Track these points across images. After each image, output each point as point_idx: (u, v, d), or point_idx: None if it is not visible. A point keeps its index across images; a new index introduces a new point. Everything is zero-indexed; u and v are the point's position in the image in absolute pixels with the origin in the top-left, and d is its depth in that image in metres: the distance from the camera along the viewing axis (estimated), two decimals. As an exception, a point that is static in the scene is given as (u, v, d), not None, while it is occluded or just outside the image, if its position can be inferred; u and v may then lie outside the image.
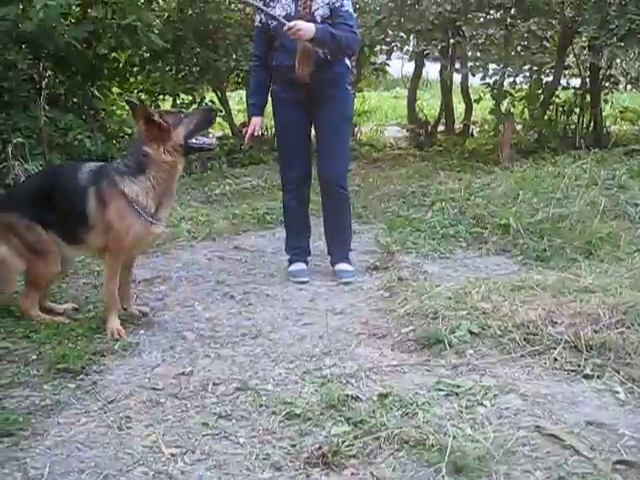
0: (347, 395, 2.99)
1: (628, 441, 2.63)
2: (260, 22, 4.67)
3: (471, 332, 3.59)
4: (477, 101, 10.84)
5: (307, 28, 4.29)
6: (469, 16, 9.32)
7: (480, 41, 9.66)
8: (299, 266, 4.96)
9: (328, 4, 4.51)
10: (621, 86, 12.85)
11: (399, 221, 6.17)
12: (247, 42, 10.32)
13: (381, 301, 4.36)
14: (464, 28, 9.52)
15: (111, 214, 3.77)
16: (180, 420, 2.89)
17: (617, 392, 3.03)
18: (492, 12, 9.52)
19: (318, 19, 4.48)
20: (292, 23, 4.28)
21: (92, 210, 3.81)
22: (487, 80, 9.39)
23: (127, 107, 4.10)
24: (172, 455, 2.62)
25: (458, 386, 3.09)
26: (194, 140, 3.88)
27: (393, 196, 7.30)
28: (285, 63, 4.54)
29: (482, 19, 9.60)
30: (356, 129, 11.82)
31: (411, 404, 2.91)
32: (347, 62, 4.74)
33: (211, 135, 4.00)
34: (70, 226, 3.89)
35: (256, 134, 4.80)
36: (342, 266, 4.93)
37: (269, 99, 4.86)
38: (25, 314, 3.98)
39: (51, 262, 3.95)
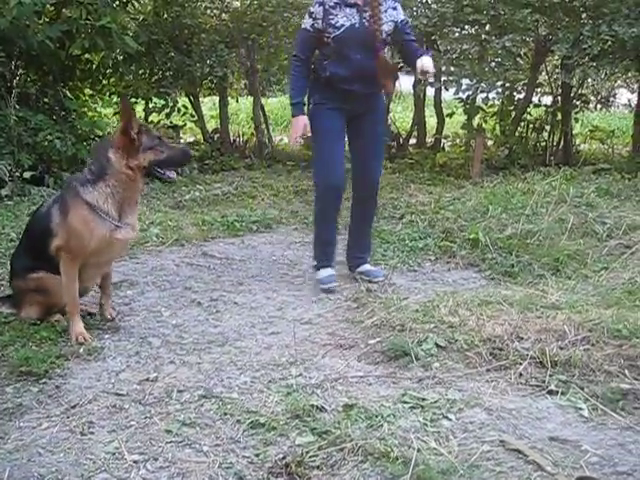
0: (312, 405, 2.98)
1: (591, 457, 2.64)
2: (312, 27, 4.58)
3: (438, 345, 3.60)
4: (449, 115, 10.90)
5: (429, 62, 4.41)
6: (445, 31, 9.38)
7: (454, 56, 9.71)
8: (329, 272, 4.92)
9: (394, 21, 4.57)
10: (592, 105, 13.03)
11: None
12: (222, 48, 10.33)
13: (349, 312, 4.35)
14: (439, 42, 9.59)
15: (73, 219, 3.78)
16: (144, 427, 2.86)
17: (581, 409, 3.05)
18: (467, 27, 9.58)
19: (384, 35, 4.53)
20: (420, 63, 4.37)
21: (55, 223, 3.84)
22: (460, 95, 9.45)
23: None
24: (135, 462, 2.60)
25: (423, 399, 3.09)
26: (158, 169, 3.90)
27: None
28: (343, 74, 4.53)
29: (457, 34, 9.66)
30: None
31: (376, 416, 2.91)
32: None
33: (173, 172, 4.00)
34: (50, 258, 3.87)
35: (305, 134, 4.72)
36: (370, 267, 5.05)
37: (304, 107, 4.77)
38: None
39: (56, 295, 3.95)
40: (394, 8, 4.62)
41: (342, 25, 4.46)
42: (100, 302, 4.21)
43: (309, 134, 4.68)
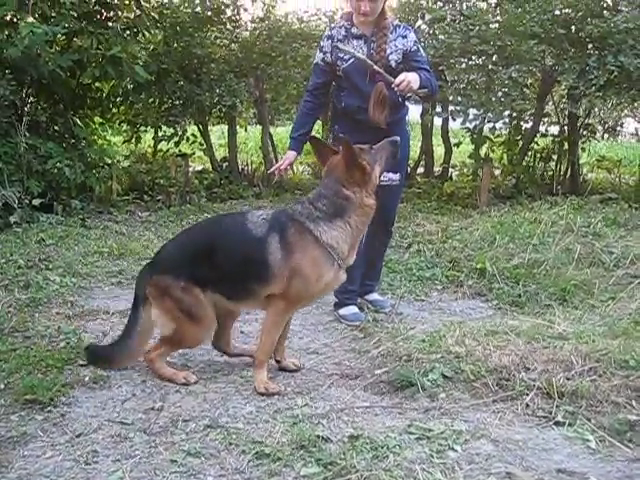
0: (318, 436, 2.98)
1: (598, 490, 2.63)
2: (323, 61, 4.61)
3: (444, 376, 3.59)
4: (457, 145, 10.93)
5: (414, 79, 4.29)
6: (452, 61, 9.44)
7: (462, 86, 9.75)
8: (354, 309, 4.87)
9: (403, 50, 4.54)
10: (598, 135, 13.06)
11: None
12: (231, 78, 10.40)
13: (355, 342, 4.35)
14: (446, 73, 9.65)
15: (304, 263, 3.47)
16: (148, 456, 2.85)
17: (588, 440, 3.03)
18: (474, 58, 9.63)
19: (393, 64, 4.50)
20: (402, 77, 4.26)
21: (276, 260, 3.47)
22: (467, 125, 9.49)
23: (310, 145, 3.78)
24: (138, 492, 2.59)
25: (429, 430, 3.07)
26: (382, 178, 3.69)
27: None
28: (356, 105, 4.53)
29: (464, 64, 9.71)
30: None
31: (382, 447, 2.90)
32: (407, 104, 4.77)
33: (392, 173, 3.84)
34: (238, 281, 3.56)
35: (287, 170, 4.68)
36: (378, 296, 5.05)
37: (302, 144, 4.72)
38: (149, 363, 3.74)
39: (204, 328, 3.64)
40: (404, 36, 4.57)
41: (350, 57, 4.47)
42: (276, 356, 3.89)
43: (289, 173, 4.64)
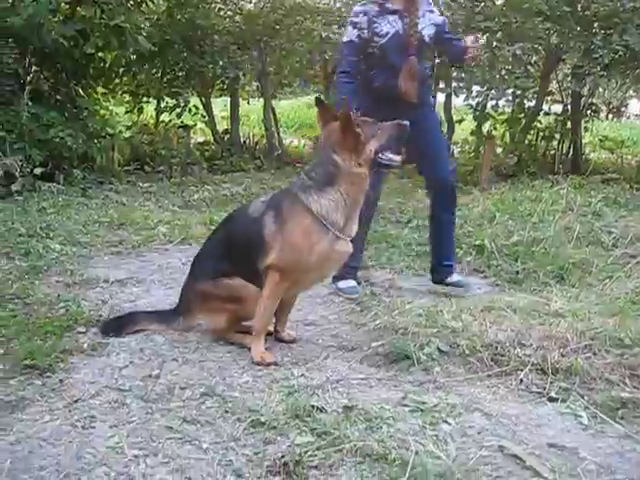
0: (313, 406, 2.99)
1: (588, 465, 2.65)
2: (358, 37, 4.49)
3: (440, 350, 3.60)
4: (459, 122, 10.91)
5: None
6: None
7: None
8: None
9: (433, 24, 4.54)
10: (602, 115, 13.02)
11: (375, 237, 6.18)
12: (234, 50, 10.38)
13: (352, 315, 4.37)
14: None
15: (294, 232, 3.51)
16: (145, 422, 2.87)
17: (580, 416, 3.04)
18: (479, 35, 9.58)
19: (427, 39, 4.52)
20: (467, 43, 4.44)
21: (270, 232, 3.56)
22: (470, 101, 9.47)
23: (315, 106, 3.71)
24: (135, 457, 2.61)
25: (424, 402, 3.09)
26: (382, 156, 3.63)
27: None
28: (389, 82, 4.47)
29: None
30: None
31: (376, 418, 2.91)
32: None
33: (397, 155, 3.65)
34: (251, 266, 3.63)
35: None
36: (459, 277, 4.96)
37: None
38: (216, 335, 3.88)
39: (249, 302, 3.67)
40: (431, 11, 4.60)
41: (387, 32, 4.44)
42: (275, 326, 3.95)
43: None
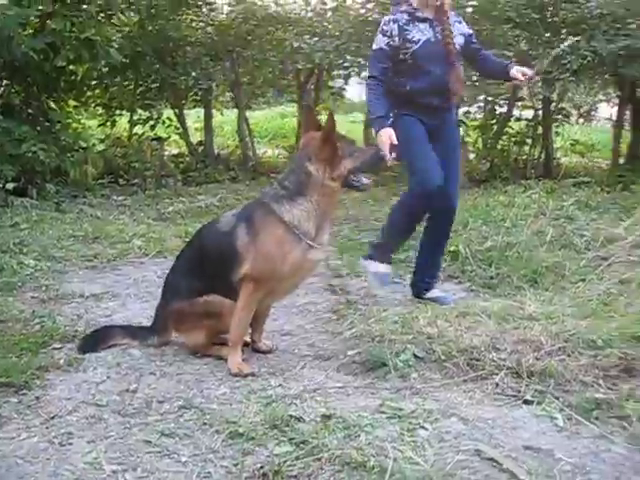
0: (291, 415, 3.01)
1: (564, 466, 2.68)
2: (388, 45, 4.51)
3: (416, 356, 3.63)
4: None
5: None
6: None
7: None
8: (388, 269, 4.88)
9: (462, 34, 4.63)
10: (573, 119, 13.16)
11: (350, 245, 6.21)
12: (206, 61, 10.39)
13: (329, 324, 4.39)
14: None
15: (266, 242, 3.55)
16: (123, 437, 2.87)
17: (555, 418, 3.08)
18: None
19: (457, 47, 4.56)
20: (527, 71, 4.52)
21: (243, 244, 3.59)
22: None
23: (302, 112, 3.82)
24: (113, 472, 2.61)
25: (401, 409, 3.11)
26: (353, 177, 3.67)
27: (345, 220, 7.34)
28: (424, 87, 4.52)
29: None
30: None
31: (354, 426, 2.93)
32: None
33: (367, 178, 3.72)
34: (224, 280, 3.64)
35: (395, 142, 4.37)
36: (439, 293, 4.93)
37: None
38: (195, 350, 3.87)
39: (225, 317, 3.68)
40: (459, 22, 4.70)
41: (419, 39, 4.48)
42: (252, 337, 3.97)
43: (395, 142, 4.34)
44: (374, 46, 4.61)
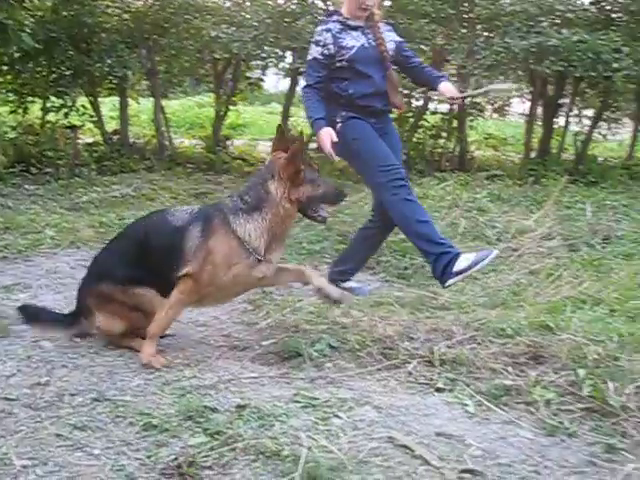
0: (205, 406, 3.00)
1: (474, 451, 2.76)
2: (322, 54, 4.57)
3: (331, 346, 3.68)
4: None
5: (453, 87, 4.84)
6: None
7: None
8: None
9: (394, 41, 4.74)
10: (487, 114, 13.44)
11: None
12: (122, 48, 10.19)
13: (244, 314, 4.40)
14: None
15: (215, 249, 3.57)
16: (34, 431, 2.82)
17: (466, 405, 3.17)
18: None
19: (391, 52, 4.67)
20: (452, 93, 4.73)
21: (192, 245, 3.58)
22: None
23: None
24: (23, 467, 2.56)
25: (315, 398, 3.15)
26: (314, 208, 3.76)
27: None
28: (363, 91, 4.59)
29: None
30: (229, 142, 11.84)
31: (268, 416, 2.95)
32: None
33: (325, 211, 3.81)
34: (167, 274, 3.62)
35: (335, 140, 4.41)
36: (355, 284, 4.94)
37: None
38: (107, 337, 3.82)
39: (148, 319, 3.66)
40: (390, 30, 4.82)
41: (353, 46, 4.57)
42: None
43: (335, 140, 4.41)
44: (309, 57, 4.68)
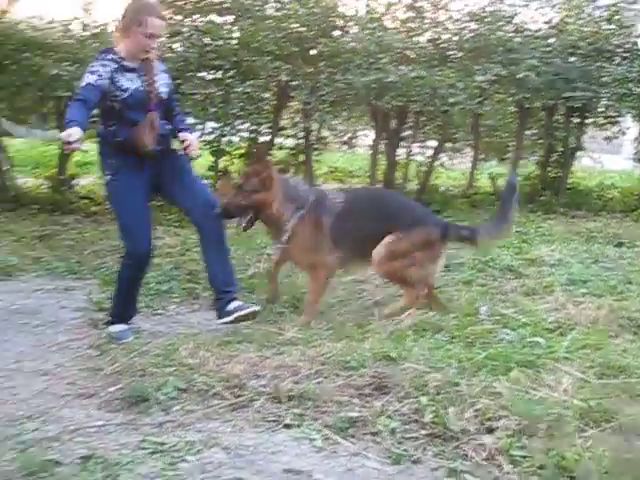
0: (49, 460, 2.92)
1: (322, 485, 2.82)
2: (96, 82, 4.37)
3: (178, 388, 3.65)
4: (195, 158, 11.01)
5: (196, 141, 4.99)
6: (188, 74, 9.50)
7: (200, 99, 9.86)
8: (124, 327, 4.78)
9: (167, 84, 4.74)
10: (335, 147, 13.78)
11: (108, 280, 6.04)
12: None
13: (90, 360, 4.28)
14: (184, 86, 9.72)
15: None
16: None
17: (314, 439, 3.22)
18: (212, 72, 9.79)
19: (164, 95, 4.67)
20: (191, 142, 4.77)
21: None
22: (205, 138, 9.62)
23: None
24: None
25: (163, 443, 3.12)
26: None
27: (109, 251, 7.13)
28: (133, 135, 4.49)
29: (200, 80, 9.83)
30: (75, 182, 11.53)
31: (114, 465, 2.90)
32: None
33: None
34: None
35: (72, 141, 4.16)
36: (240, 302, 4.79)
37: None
38: None
39: None
40: (164, 71, 4.79)
41: (128, 88, 4.48)
42: None
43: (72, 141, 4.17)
44: (82, 83, 4.45)
